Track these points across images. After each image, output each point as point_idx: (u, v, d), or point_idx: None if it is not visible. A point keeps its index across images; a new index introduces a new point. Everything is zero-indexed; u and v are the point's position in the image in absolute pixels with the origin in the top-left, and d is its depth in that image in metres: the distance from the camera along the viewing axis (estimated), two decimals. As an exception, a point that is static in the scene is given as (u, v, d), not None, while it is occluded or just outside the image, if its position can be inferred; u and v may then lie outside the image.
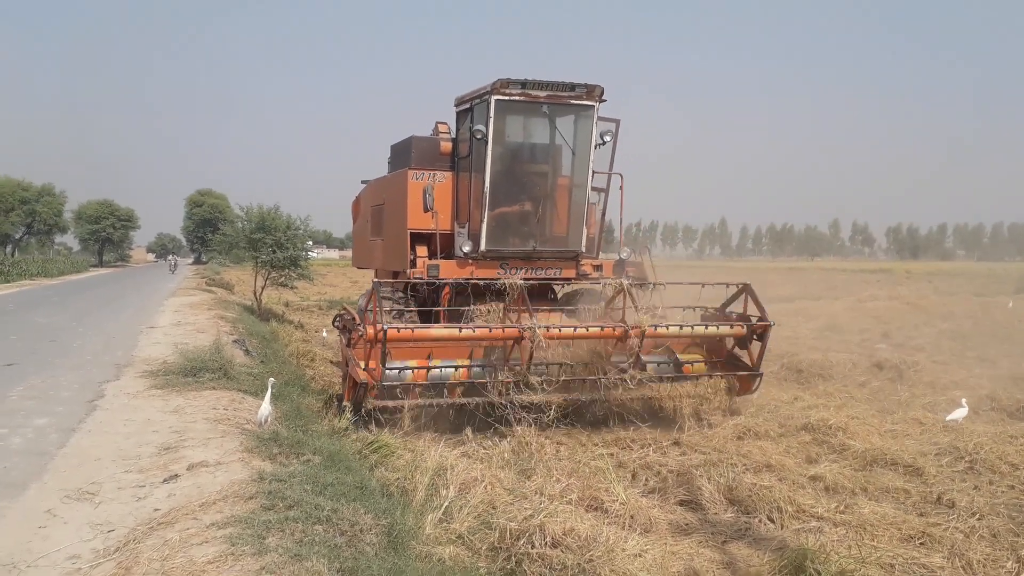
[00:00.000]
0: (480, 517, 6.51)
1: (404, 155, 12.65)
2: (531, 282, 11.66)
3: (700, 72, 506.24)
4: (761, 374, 10.69)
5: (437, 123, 13.06)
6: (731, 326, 10.87)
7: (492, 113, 10.98)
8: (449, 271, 11.53)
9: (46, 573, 4.69)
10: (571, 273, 12.24)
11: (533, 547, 5.75)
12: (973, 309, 28.21)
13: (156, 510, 5.65)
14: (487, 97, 11.00)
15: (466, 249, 11.53)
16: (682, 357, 10.93)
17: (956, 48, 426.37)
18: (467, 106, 11.77)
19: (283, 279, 24.21)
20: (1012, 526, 6.32)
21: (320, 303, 32.14)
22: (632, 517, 6.69)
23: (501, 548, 5.91)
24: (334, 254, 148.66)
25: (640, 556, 5.76)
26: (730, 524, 6.78)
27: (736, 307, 11.14)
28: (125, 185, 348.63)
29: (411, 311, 11.33)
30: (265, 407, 7.98)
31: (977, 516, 6.72)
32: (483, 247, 11.49)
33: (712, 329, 10.66)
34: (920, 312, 26.94)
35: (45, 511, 5.69)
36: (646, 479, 8.02)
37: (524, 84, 10.97)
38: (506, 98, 10.99)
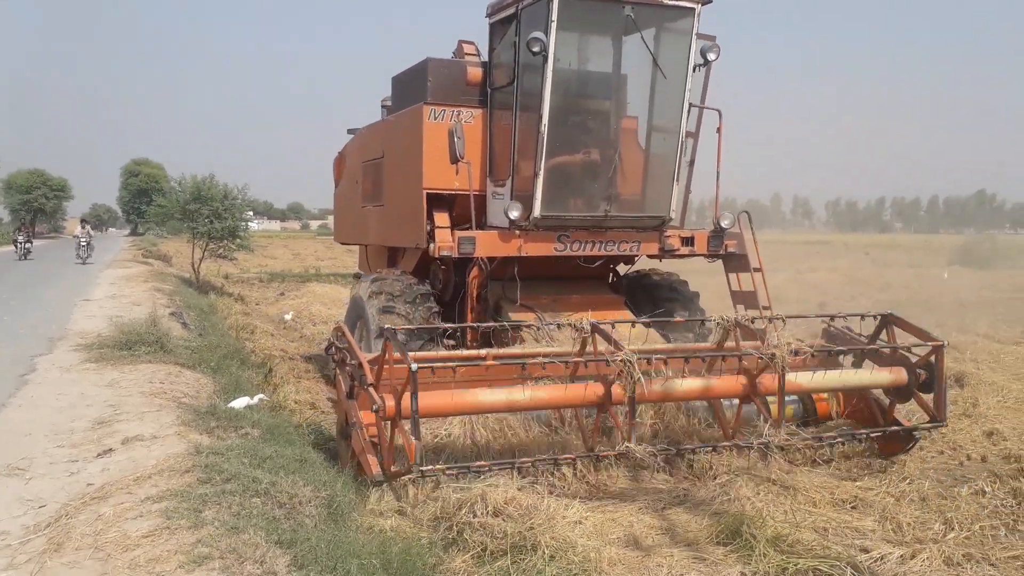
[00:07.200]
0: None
1: (416, 86, 9.40)
2: (595, 262, 9.26)
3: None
4: (918, 439, 7.35)
5: (461, 42, 9.95)
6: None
7: (555, 16, 7.90)
8: (489, 245, 8.58)
9: (-28, 551, 4.55)
10: (652, 248, 9.34)
11: (475, 516, 5.75)
12: (908, 280, 28.95)
13: (89, 485, 5.53)
14: None
15: (514, 215, 8.43)
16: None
17: (896, 21, 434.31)
18: (510, 11, 8.56)
19: (221, 250, 23.96)
20: (940, 489, 6.49)
21: (261, 275, 31.74)
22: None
23: (443, 518, 5.90)
24: (275, 225, 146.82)
25: (580, 523, 5.81)
26: (669, 491, 6.86)
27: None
28: (58, 154, 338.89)
29: (442, 338, 8.52)
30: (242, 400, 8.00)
31: (907, 480, 6.89)
32: (537, 212, 8.49)
33: (863, 376, 7.37)
34: (857, 283, 27.53)
35: (-28, 488, 5.53)
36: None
37: None
38: None
